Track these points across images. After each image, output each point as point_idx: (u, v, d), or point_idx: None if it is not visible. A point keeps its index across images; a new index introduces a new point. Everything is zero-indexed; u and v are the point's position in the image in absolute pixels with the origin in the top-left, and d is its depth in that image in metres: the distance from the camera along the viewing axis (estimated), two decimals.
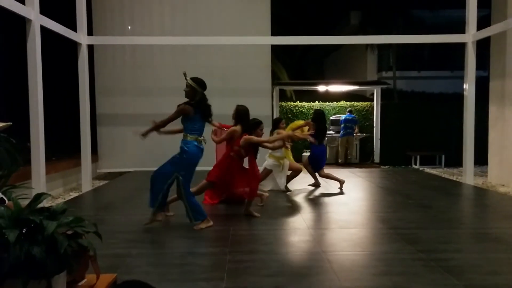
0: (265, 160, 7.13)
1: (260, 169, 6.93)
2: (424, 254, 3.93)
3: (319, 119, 7.50)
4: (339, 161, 13.12)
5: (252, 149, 5.47)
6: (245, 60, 10.47)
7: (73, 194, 8.34)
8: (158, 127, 4.88)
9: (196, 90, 4.85)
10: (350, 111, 13.20)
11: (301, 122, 7.92)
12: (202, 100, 4.89)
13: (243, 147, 5.37)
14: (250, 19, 10.47)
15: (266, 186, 7.16)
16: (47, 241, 2.01)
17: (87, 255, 2.41)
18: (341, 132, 12.95)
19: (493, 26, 8.52)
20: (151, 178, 4.98)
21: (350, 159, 13.17)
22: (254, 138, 5.40)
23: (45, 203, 2.44)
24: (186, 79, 4.88)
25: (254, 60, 10.57)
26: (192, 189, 5.40)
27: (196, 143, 4.84)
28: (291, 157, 7.47)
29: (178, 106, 4.88)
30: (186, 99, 4.92)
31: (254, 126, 5.55)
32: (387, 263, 3.78)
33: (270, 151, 6.84)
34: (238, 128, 5.58)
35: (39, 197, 2.26)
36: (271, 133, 7.03)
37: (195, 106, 4.83)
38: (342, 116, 13.17)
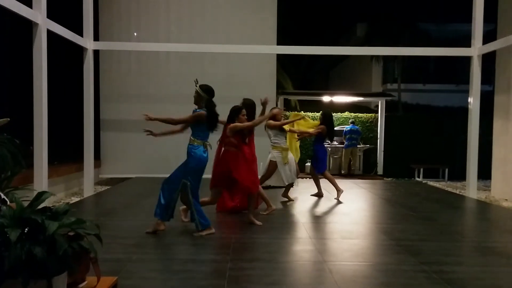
0: (268, 153, 6.95)
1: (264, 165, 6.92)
2: (426, 266, 3.90)
3: (327, 120, 7.60)
4: (342, 172, 13.08)
5: (241, 136, 5.41)
6: (250, 69, 10.50)
7: (75, 199, 8.33)
8: (169, 121, 4.91)
9: (201, 96, 4.92)
10: (352, 122, 13.18)
11: (313, 122, 7.90)
12: (209, 107, 4.92)
13: (232, 136, 5.32)
14: (256, 28, 10.51)
15: (269, 183, 7.06)
16: (48, 241, 2.00)
17: (88, 257, 2.40)
18: (346, 143, 12.92)
19: (499, 40, 8.53)
20: (161, 188, 4.99)
21: (353, 170, 13.13)
22: (239, 124, 5.32)
23: (47, 203, 2.42)
24: (196, 86, 4.93)
25: (259, 69, 10.60)
26: (205, 199, 5.43)
27: (203, 148, 4.88)
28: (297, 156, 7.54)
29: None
30: (195, 105, 5.00)
31: (236, 113, 5.39)
32: (389, 274, 3.75)
33: (272, 143, 6.82)
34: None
35: (40, 195, 2.25)
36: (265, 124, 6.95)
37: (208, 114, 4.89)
38: (346, 127, 13.13)
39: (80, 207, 6.97)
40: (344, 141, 13.00)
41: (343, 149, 13.02)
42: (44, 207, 2.26)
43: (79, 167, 8.85)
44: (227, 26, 10.52)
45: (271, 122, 6.73)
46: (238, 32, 10.41)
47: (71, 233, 2.23)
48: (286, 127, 7.10)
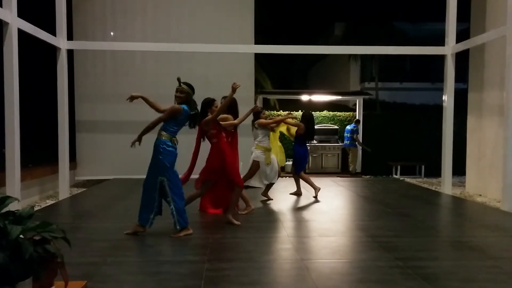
0: (251, 153, 6.92)
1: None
2: (401, 262, 3.95)
3: (308, 121, 7.61)
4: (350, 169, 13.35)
5: (218, 127, 5.40)
6: (228, 68, 10.44)
7: (50, 202, 8.16)
8: (149, 128, 4.83)
9: (191, 96, 4.90)
10: (356, 121, 13.40)
11: (291, 121, 7.89)
12: (194, 105, 4.91)
13: (210, 129, 5.31)
14: (234, 27, 10.47)
15: (252, 183, 7.05)
16: (11, 247, 1.94)
17: (55, 261, 2.33)
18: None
19: (472, 39, 8.69)
20: (142, 191, 4.95)
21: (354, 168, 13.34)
22: (209, 117, 5.28)
23: (20, 207, 2.35)
24: (180, 85, 4.88)
25: (237, 68, 10.54)
26: (192, 194, 5.52)
27: (170, 143, 4.84)
28: (281, 157, 7.55)
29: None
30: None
31: (208, 105, 5.38)
32: (365, 270, 3.78)
33: (257, 142, 6.81)
34: (229, 116, 5.70)
35: (4, 200, 2.18)
36: (253, 123, 6.94)
37: (186, 109, 4.85)
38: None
39: (55, 210, 6.84)
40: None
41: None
42: (7, 211, 2.19)
43: (54, 169, 8.68)
44: (205, 25, 10.45)
45: (262, 120, 6.73)
46: (216, 31, 10.35)
47: (36, 237, 2.17)
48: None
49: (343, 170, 13.52)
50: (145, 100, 5.06)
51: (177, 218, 4.84)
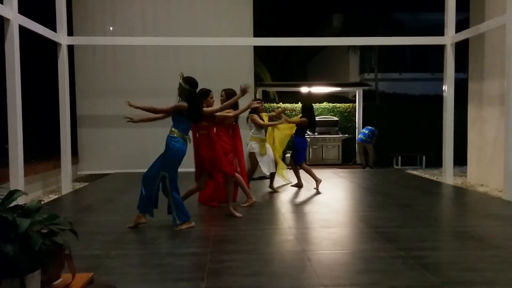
0: (247, 145, 6.95)
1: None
2: (403, 252, 3.98)
3: (308, 112, 7.62)
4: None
5: (211, 120, 5.41)
6: (227, 62, 10.46)
7: (53, 196, 8.21)
8: (150, 110, 4.91)
9: (183, 88, 4.90)
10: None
11: (295, 119, 7.90)
12: (190, 98, 4.89)
13: (203, 120, 5.32)
14: (233, 20, 10.47)
15: (256, 174, 7.11)
16: (20, 239, 1.98)
17: (63, 253, 2.37)
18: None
19: (471, 28, 8.68)
20: (142, 182, 4.98)
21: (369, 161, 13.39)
22: (206, 109, 5.26)
23: (19, 201, 2.38)
24: (180, 79, 4.93)
25: (236, 62, 10.56)
26: (191, 189, 5.56)
27: (182, 141, 4.87)
28: (279, 152, 7.58)
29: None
30: (179, 97, 4.99)
31: (204, 96, 5.37)
32: (366, 261, 3.81)
33: (251, 133, 6.86)
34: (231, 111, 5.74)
35: (12, 194, 2.22)
36: (248, 116, 6.97)
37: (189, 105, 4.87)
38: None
39: (58, 204, 6.88)
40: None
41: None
42: (16, 205, 2.23)
43: (57, 164, 8.72)
44: (203, 18, 10.44)
45: (257, 119, 6.78)
46: (215, 25, 10.35)
47: (44, 230, 2.21)
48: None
49: (343, 162, 13.54)
50: (143, 109, 4.95)
51: (177, 213, 4.88)
